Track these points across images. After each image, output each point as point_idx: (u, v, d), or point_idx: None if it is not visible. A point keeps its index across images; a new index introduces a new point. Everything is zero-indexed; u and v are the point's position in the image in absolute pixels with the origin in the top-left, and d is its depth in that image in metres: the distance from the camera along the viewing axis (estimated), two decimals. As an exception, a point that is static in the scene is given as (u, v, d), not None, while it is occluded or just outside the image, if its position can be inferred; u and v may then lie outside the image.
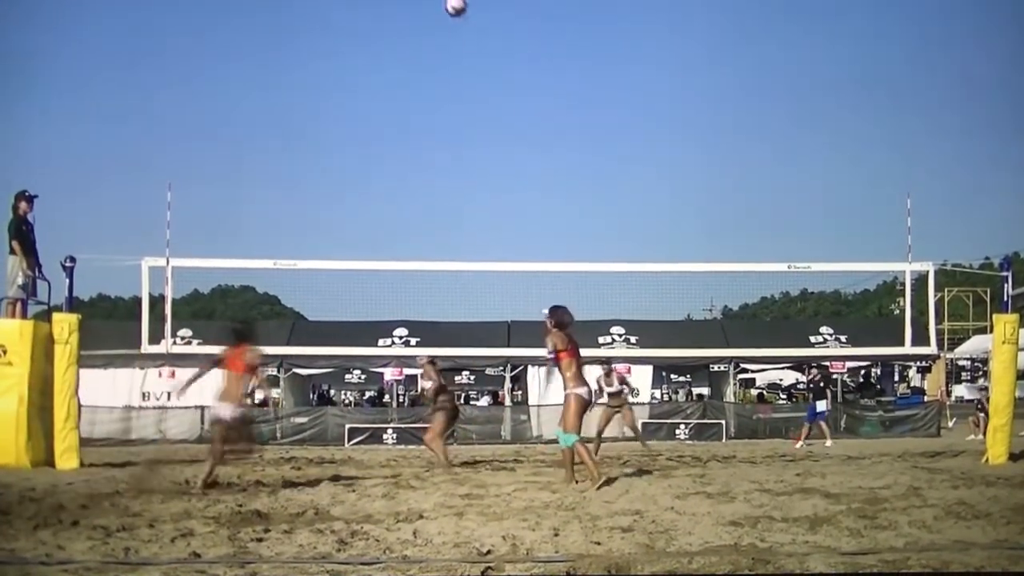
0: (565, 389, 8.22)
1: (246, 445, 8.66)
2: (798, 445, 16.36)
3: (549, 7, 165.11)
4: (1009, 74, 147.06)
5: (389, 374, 22.25)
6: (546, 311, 8.53)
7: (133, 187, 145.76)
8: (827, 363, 21.01)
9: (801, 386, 30.78)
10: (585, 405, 8.24)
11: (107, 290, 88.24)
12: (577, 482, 8.04)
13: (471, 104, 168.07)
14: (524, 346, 19.36)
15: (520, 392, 23.13)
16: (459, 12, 9.69)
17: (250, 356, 8.36)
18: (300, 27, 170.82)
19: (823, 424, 17.11)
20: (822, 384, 18.00)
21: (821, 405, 17.22)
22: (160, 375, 20.40)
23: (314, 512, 6.42)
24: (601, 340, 21.09)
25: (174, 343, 17.76)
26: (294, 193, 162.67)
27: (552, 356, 8.26)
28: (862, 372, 26.78)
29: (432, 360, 12.19)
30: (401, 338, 21.11)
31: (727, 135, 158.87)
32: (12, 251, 10.74)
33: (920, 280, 17.35)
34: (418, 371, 13.66)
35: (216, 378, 8.41)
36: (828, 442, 16.56)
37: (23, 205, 10.89)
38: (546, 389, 20.50)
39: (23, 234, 10.83)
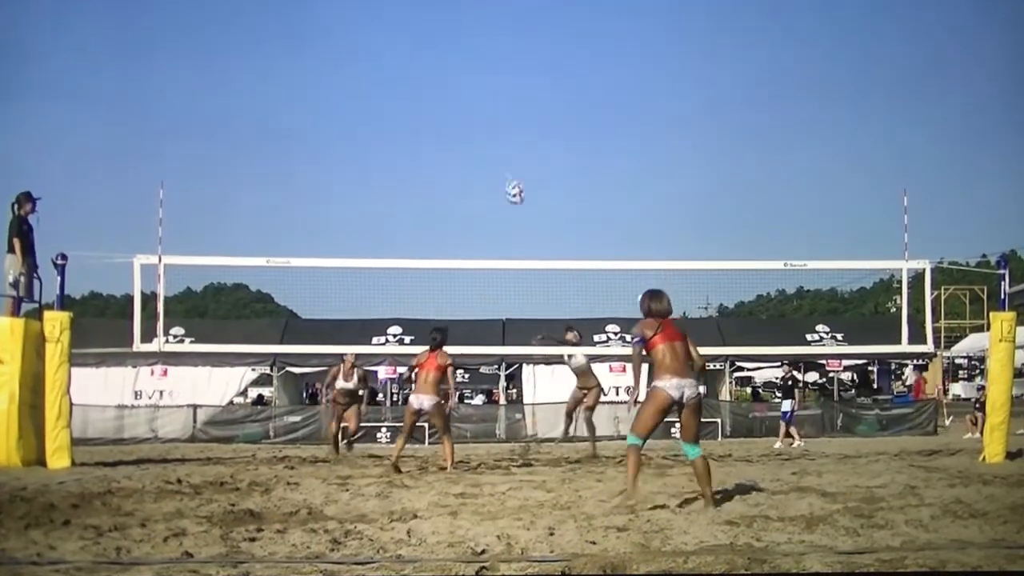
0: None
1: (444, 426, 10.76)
2: (777, 444, 16.34)
3: (548, 6, 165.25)
4: (1006, 70, 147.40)
5: (383, 372, 22.19)
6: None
7: (125, 184, 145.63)
8: (800, 362, 20.65)
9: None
10: (666, 401, 6.65)
11: (99, 288, 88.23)
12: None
13: (465, 101, 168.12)
14: (519, 344, 19.37)
15: (515, 390, 23.11)
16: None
17: (443, 359, 10.68)
18: (293, 26, 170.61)
19: (790, 426, 16.89)
20: (790, 383, 17.72)
21: (786, 405, 17.05)
22: (152, 373, 20.33)
23: (307, 511, 6.38)
24: (597, 338, 21.09)
25: (167, 341, 17.72)
26: (287, 190, 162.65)
27: (640, 344, 6.98)
28: (855, 369, 26.83)
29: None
30: (395, 336, 21.03)
31: (723, 132, 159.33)
32: (11, 249, 10.71)
33: (917, 278, 17.35)
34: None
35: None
36: (796, 442, 16.32)
37: (26, 206, 10.87)
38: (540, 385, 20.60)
39: (23, 234, 10.81)
